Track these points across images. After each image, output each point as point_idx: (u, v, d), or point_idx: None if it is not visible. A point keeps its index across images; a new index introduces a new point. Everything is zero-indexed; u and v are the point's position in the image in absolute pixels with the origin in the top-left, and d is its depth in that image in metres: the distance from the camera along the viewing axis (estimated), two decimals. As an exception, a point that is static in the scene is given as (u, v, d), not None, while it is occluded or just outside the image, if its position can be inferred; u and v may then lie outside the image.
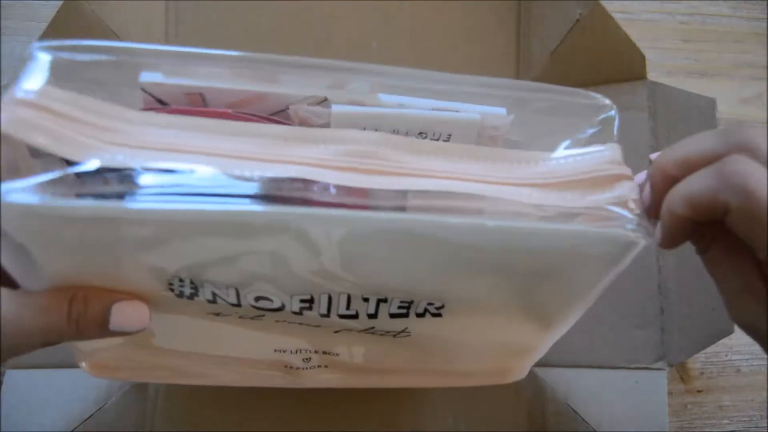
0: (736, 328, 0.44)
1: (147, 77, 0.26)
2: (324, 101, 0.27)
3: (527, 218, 0.25)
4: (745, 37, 0.55)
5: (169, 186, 0.22)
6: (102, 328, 0.24)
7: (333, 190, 0.24)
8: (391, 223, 0.23)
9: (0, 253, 0.22)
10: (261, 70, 0.26)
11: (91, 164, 0.21)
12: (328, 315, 0.27)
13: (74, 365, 0.41)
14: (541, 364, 0.44)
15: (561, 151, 0.26)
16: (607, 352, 0.43)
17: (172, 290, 0.25)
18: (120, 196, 0.22)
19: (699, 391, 0.48)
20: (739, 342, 0.49)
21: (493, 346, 0.32)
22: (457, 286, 0.26)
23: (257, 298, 0.26)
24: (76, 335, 0.24)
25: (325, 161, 0.23)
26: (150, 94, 0.26)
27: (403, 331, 0.29)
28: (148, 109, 0.26)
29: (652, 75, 0.46)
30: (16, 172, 0.22)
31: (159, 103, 0.27)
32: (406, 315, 0.27)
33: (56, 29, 0.40)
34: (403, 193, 0.24)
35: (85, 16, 0.41)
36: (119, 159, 0.22)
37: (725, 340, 0.44)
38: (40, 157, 0.23)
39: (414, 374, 0.36)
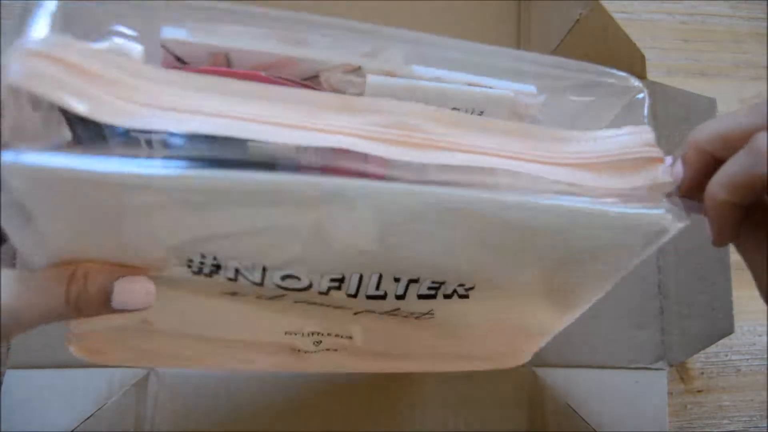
0: (736, 328, 0.44)
1: (170, 33, 0.24)
2: (357, 69, 0.26)
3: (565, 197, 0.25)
4: (745, 37, 0.55)
5: (204, 150, 0.21)
6: (104, 306, 0.23)
7: (370, 162, 0.23)
8: (450, 198, 0.22)
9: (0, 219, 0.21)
10: (291, 31, 0.24)
11: (118, 124, 0.20)
12: (355, 295, 0.26)
13: (74, 365, 0.41)
14: (541, 364, 0.45)
15: (595, 131, 0.26)
16: (607, 352, 0.43)
17: (189, 266, 0.24)
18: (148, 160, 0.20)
19: (699, 391, 0.48)
20: (739, 342, 0.49)
21: (511, 329, 0.32)
22: (493, 265, 0.26)
23: (284, 277, 0.25)
24: (77, 313, 0.23)
25: (366, 132, 0.22)
26: (170, 52, 0.24)
27: (427, 313, 0.29)
28: (173, 67, 0.24)
29: (652, 75, 0.46)
30: (21, 129, 0.21)
31: (178, 61, 0.25)
32: (434, 296, 0.27)
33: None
34: (439, 167, 0.24)
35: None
36: (151, 122, 0.20)
37: (725, 340, 0.44)
38: (40, 109, 0.22)
39: (421, 360, 0.36)
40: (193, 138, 0.21)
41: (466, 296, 0.27)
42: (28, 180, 0.20)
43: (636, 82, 0.28)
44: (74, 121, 0.22)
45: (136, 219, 0.22)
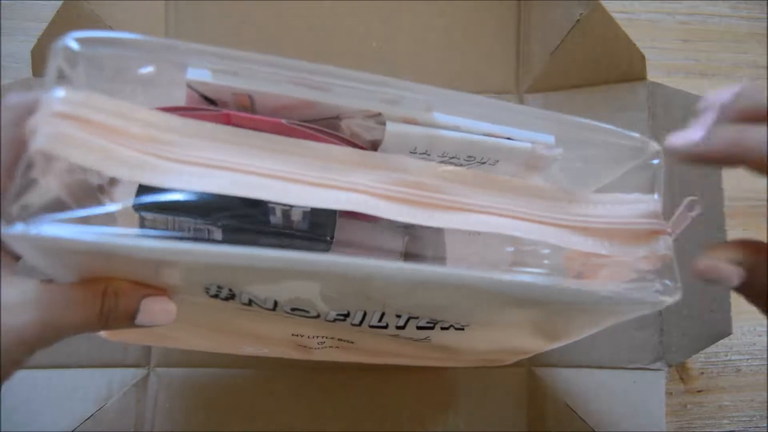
0: (736, 328, 0.44)
1: (194, 74, 0.25)
2: (378, 116, 0.26)
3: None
4: (745, 37, 0.55)
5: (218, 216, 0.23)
6: (129, 322, 0.24)
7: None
8: (457, 279, 0.23)
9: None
10: (314, 79, 0.25)
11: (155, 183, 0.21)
12: (359, 325, 0.28)
13: (74, 365, 0.41)
14: (541, 364, 0.45)
15: (602, 195, 0.27)
16: (606, 353, 0.43)
17: (206, 292, 0.25)
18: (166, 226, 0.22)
19: (699, 391, 0.48)
20: (739, 342, 0.49)
21: (503, 350, 0.34)
22: (487, 316, 0.27)
23: (294, 309, 0.26)
24: (104, 327, 0.24)
25: (377, 189, 0.23)
26: (195, 91, 0.26)
27: (425, 339, 0.30)
28: (193, 109, 0.25)
29: (652, 75, 0.46)
30: (55, 194, 0.22)
31: (205, 100, 0.26)
32: (431, 328, 0.28)
33: (56, 29, 0.40)
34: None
35: (85, 16, 0.41)
36: (167, 179, 0.21)
37: (725, 340, 0.44)
38: (72, 173, 0.23)
39: (423, 360, 0.37)
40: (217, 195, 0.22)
41: (461, 329, 0.29)
42: (58, 249, 0.21)
43: (654, 146, 0.28)
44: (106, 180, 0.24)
45: (160, 272, 0.23)
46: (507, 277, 0.24)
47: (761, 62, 0.55)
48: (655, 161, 0.28)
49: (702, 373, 0.48)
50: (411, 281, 0.23)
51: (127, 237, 0.20)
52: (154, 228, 0.26)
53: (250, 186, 0.22)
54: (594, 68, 0.46)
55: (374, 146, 0.26)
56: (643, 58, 0.45)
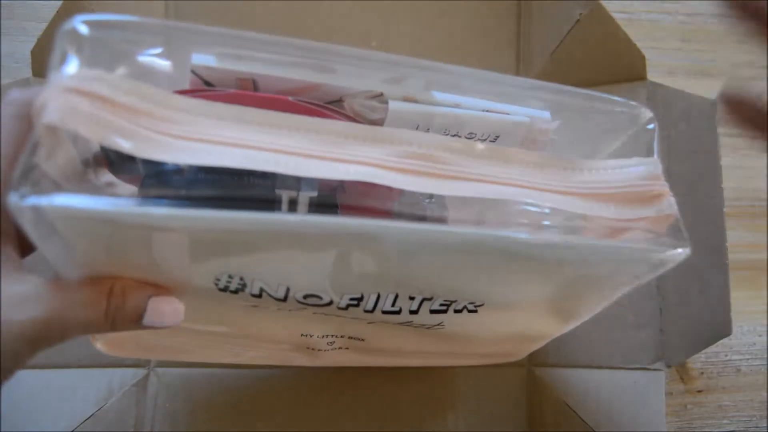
0: (736, 328, 0.44)
1: (199, 59, 0.25)
2: (380, 96, 0.27)
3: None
4: (745, 37, 0.55)
5: (230, 187, 0.22)
6: (135, 323, 0.24)
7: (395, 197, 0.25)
8: (468, 238, 0.23)
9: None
10: (317, 60, 0.25)
11: (159, 159, 0.21)
12: (372, 311, 0.27)
13: (74, 366, 0.41)
14: (540, 364, 0.45)
15: (603, 161, 0.27)
16: (606, 353, 0.43)
17: (216, 284, 0.25)
18: (179, 197, 0.22)
19: (699, 391, 0.48)
20: (739, 342, 0.49)
21: (515, 335, 0.34)
22: (503, 290, 0.27)
23: (306, 296, 0.26)
24: (110, 328, 0.24)
25: (390, 162, 0.23)
26: (199, 77, 0.25)
27: (438, 325, 0.30)
28: (199, 91, 0.25)
29: (652, 75, 0.46)
30: (60, 167, 0.22)
31: (206, 85, 0.26)
32: (444, 311, 0.28)
33: (56, 29, 0.40)
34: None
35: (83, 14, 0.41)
36: (187, 155, 0.21)
37: (725, 340, 0.44)
38: (77, 147, 0.23)
39: (431, 357, 0.37)
40: (222, 170, 0.22)
41: (475, 311, 0.29)
42: (68, 220, 0.20)
43: (647, 112, 0.29)
44: (113, 156, 0.23)
45: (168, 251, 0.23)
46: (520, 235, 0.24)
47: (761, 62, 0.55)
48: (650, 126, 0.29)
49: (702, 373, 0.48)
50: (434, 242, 0.23)
51: (141, 206, 0.20)
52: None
53: (262, 160, 0.22)
54: (594, 68, 0.46)
55: (376, 125, 0.27)
56: (643, 57, 0.45)
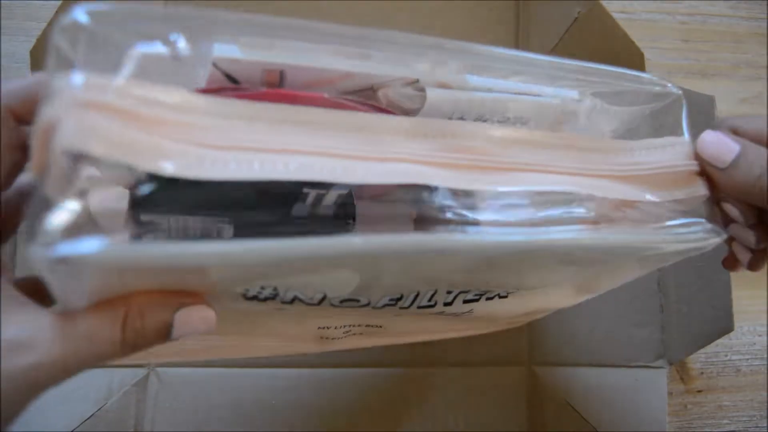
0: (736, 328, 0.44)
1: (222, 50, 0.22)
2: (415, 83, 0.25)
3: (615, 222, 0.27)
4: (744, 37, 0.55)
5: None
6: (162, 339, 0.21)
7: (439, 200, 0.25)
8: (514, 245, 0.22)
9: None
10: (349, 47, 0.23)
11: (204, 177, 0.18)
12: (408, 308, 0.27)
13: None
14: (541, 363, 0.45)
15: (637, 141, 0.27)
16: (607, 351, 0.43)
17: (244, 295, 0.23)
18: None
19: (699, 391, 0.48)
20: (739, 342, 0.49)
21: (536, 311, 0.34)
22: (538, 279, 0.28)
23: (344, 301, 0.25)
24: (131, 352, 0.21)
25: (427, 158, 0.22)
26: (221, 70, 0.23)
27: (467, 312, 0.30)
28: (223, 90, 0.23)
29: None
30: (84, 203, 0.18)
31: (229, 80, 0.23)
32: (477, 300, 0.28)
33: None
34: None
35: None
36: (220, 171, 0.18)
37: (725, 340, 0.44)
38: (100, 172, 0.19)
39: (449, 332, 0.37)
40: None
41: (505, 297, 0.29)
42: (92, 267, 0.18)
43: (674, 89, 0.28)
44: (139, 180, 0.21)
45: (194, 277, 0.21)
46: (563, 235, 0.23)
47: (761, 62, 0.55)
48: (678, 103, 0.28)
49: (702, 373, 0.48)
50: (492, 252, 0.22)
51: (190, 246, 0.18)
52: (153, 232, 0.23)
53: (311, 169, 0.20)
54: (593, 66, 0.46)
55: (410, 115, 0.25)
56: (641, 55, 0.45)
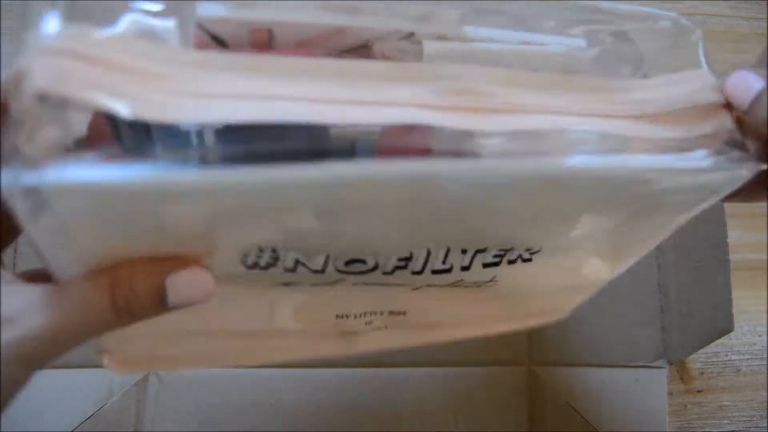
0: (736, 328, 0.44)
1: (206, 10, 0.21)
2: (411, 36, 0.24)
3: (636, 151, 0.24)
4: (745, 37, 0.55)
5: (263, 141, 0.19)
6: (158, 307, 0.21)
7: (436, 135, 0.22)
8: (528, 170, 0.21)
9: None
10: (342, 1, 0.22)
11: (168, 120, 0.17)
12: (420, 272, 0.25)
13: (74, 366, 0.41)
14: (541, 362, 0.45)
15: (652, 79, 0.25)
16: (607, 350, 0.43)
17: (243, 262, 0.22)
18: (198, 159, 0.19)
19: (699, 391, 0.48)
20: (739, 342, 0.49)
21: (565, 287, 0.32)
22: (562, 228, 0.26)
23: (349, 262, 0.24)
24: (130, 319, 0.21)
25: (426, 101, 0.21)
26: (206, 31, 0.22)
27: (490, 281, 0.28)
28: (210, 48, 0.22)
29: (651, 75, 0.46)
30: (54, 140, 0.18)
31: (216, 42, 0.23)
32: (498, 264, 0.26)
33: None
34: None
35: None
36: (203, 114, 0.18)
37: (725, 340, 0.44)
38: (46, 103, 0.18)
39: (476, 325, 0.35)
40: (249, 129, 0.19)
41: (529, 260, 0.27)
42: (69, 197, 0.17)
43: (687, 23, 0.27)
44: (117, 122, 0.19)
45: (187, 224, 0.20)
46: (582, 160, 0.21)
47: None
48: (693, 36, 0.27)
49: (702, 373, 0.48)
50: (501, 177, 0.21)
51: (172, 170, 0.17)
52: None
53: (299, 112, 0.19)
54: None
55: None
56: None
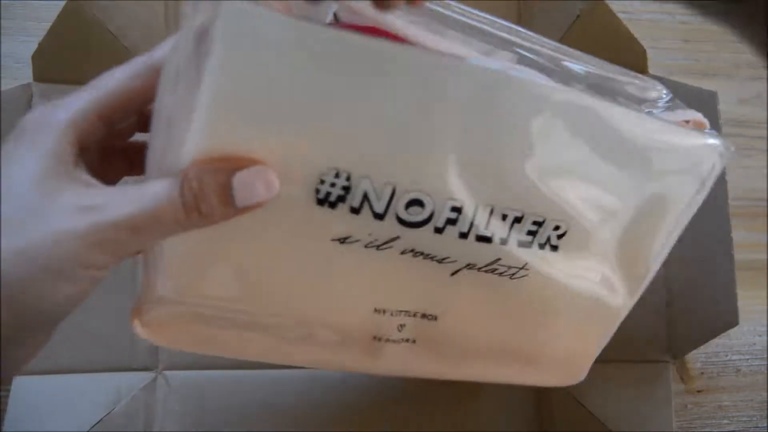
0: (736, 328, 0.44)
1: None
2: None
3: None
4: (745, 37, 0.55)
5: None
6: (227, 206, 0.22)
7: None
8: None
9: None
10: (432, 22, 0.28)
11: None
12: (466, 236, 0.28)
13: (82, 371, 0.41)
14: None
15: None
16: (613, 346, 0.43)
17: (317, 192, 0.25)
18: None
19: (699, 391, 0.48)
20: (739, 342, 0.49)
21: (588, 308, 0.34)
22: (589, 193, 0.29)
23: (410, 203, 0.26)
24: (200, 218, 0.22)
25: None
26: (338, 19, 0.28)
27: (522, 268, 0.30)
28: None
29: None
30: None
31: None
32: (530, 244, 0.29)
33: (56, 31, 0.40)
34: None
35: (86, 18, 0.41)
36: None
37: (725, 340, 0.45)
38: None
39: (493, 361, 0.36)
40: None
41: (556, 247, 0.29)
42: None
43: (662, 90, 0.33)
44: None
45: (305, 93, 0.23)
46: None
47: (761, 62, 0.55)
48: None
49: (702, 373, 0.49)
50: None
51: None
52: None
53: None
54: (595, 62, 0.46)
55: None
56: (644, 51, 0.45)
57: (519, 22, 0.51)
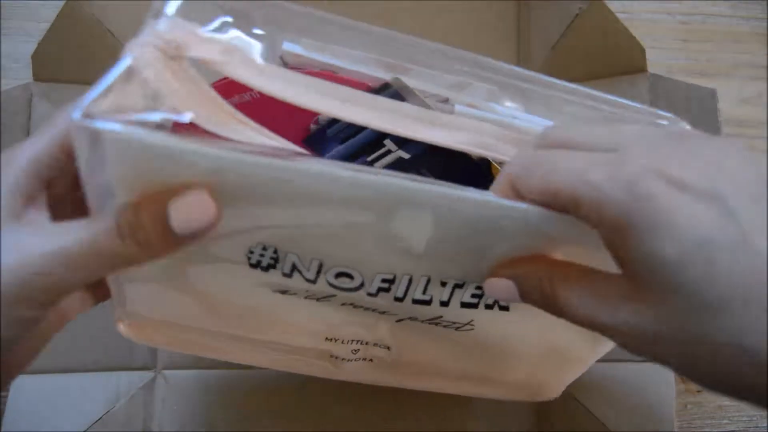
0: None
1: (288, 47, 0.29)
2: (446, 101, 0.30)
3: None
4: (745, 37, 0.55)
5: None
6: (166, 236, 0.21)
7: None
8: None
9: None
10: (396, 58, 0.29)
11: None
12: (402, 299, 0.27)
13: (81, 370, 0.41)
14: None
15: None
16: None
17: (248, 259, 0.25)
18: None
19: (699, 391, 0.48)
20: (739, 342, 0.49)
21: (548, 352, 0.33)
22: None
23: (338, 275, 0.25)
24: (141, 250, 0.22)
25: (446, 144, 0.26)
26: (285, 62, 0.29)
27: (467, 324, 0.29)
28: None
29: (652, 74, 0.46)
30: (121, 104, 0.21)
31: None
32: (476, 306, 0.28)
33: (56, 31, 0.40)
34: None
35: (85, 19, 0.41)
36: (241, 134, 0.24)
37: (725, 340, 0.44)
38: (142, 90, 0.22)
39: (452, 381, 0.36)
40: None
41: (506, 308, 0.28)
42: (125, 149, 0.20)
43: (686, 126, 0.30)
44: None
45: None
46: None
47: (761, 62, 0.55)
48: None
49: (702, 372, 0.48)
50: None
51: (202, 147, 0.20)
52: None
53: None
54: (595, 62, 0.46)
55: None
56: (643, 50, 0.44)
57: (518, 22, 0.51)
